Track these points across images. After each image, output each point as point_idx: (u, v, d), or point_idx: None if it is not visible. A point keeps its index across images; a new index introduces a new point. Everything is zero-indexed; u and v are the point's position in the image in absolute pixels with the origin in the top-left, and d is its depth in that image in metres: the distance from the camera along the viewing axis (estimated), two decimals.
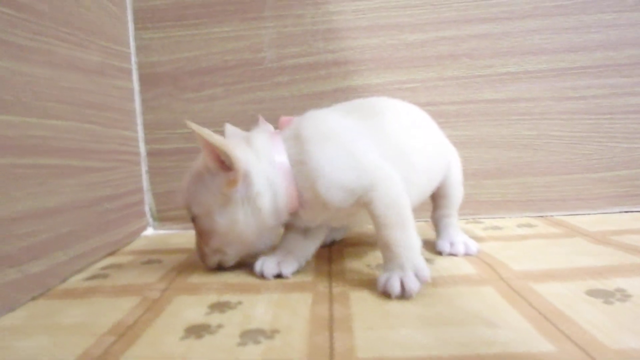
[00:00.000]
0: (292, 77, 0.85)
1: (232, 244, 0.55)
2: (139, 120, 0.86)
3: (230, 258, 0.57)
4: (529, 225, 0.78)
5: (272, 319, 0.44)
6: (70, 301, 0.53)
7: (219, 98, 0.85)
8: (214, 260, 0.57)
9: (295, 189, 0.52)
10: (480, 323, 0.41)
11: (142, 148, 0.87)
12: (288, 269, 0.56)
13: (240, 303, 0.48)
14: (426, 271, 0.48)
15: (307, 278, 0.56)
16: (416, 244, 0.49)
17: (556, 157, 0.83)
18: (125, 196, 0.79)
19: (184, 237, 0.84)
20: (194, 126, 0.49)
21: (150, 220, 0.89)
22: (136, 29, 0.85)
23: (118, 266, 0.66)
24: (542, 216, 0.83)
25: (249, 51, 0.84)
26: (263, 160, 0.52)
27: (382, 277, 0.49)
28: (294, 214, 0.55)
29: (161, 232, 0.89)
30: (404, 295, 0.47)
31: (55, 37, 0.61)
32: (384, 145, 0.53)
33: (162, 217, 0.89)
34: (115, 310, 0.49)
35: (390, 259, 0.49)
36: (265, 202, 0.52)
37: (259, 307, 0.47)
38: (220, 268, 0.58)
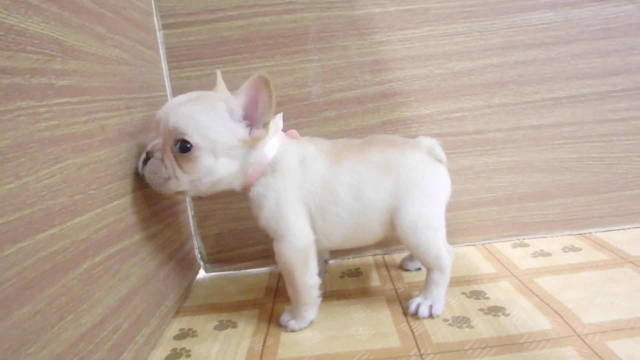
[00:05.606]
0: (339, 112, 0.82)
1: (207, 184, 0.56)
2: None
3: (190, 194, 0.58)
4: (574, 249, 0.82)
5: None
6: None
7: None
8: (173, 189, 0.56)
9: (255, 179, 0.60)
10: None
11: None
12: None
13: None
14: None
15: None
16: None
17: (595, 178, 0.86)
18: (180, 249, 0.77)
19: (238, 281, 0.83)
20: (265, 74, 0.52)
21: (202, 263, 0.88)
22: (170, 68, 0.79)
23: (192, 334, 0.65)
24: (581, 234, 0.88)
25: (294, 86, 0.80)
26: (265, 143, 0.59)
27: None
28: None
29: (213, 274, 0.88)
30: None
31: (106, 109, 0.55)
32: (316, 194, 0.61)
33: (212, 260, 0.87)
34: None
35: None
36: (249, 171, 0.59)
37: None
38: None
